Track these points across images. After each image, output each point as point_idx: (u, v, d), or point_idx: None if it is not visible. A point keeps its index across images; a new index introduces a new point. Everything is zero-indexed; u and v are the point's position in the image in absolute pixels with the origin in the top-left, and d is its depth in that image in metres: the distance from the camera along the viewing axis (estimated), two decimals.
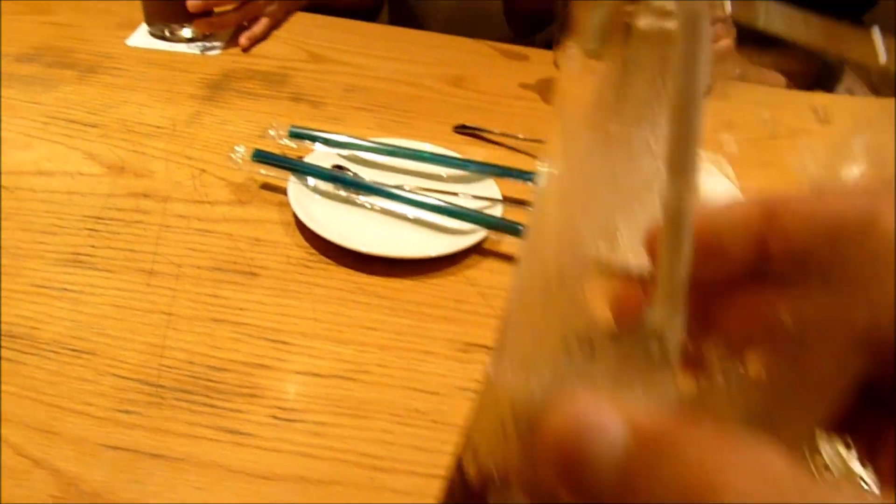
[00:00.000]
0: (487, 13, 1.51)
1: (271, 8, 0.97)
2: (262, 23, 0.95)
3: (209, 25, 0.91)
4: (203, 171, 0.68)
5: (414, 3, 1.62)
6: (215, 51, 0.91)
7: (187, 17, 0.90)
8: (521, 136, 0.79)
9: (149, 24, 0.92)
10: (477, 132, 0.80)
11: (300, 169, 0.65)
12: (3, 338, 0.49)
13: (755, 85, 0.92)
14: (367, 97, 0.86)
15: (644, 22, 0.74)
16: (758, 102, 0.93)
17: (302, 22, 1.02)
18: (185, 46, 0.91)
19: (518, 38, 1.31)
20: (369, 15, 1.29)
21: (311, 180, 0.65)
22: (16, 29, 0.91)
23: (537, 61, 1.01)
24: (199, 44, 0.91)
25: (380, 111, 0.83)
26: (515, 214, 0.65)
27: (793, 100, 0.97)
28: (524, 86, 0.94)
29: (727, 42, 0.77)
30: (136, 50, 0.90)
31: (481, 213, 0.63)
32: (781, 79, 0.95)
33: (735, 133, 0.87)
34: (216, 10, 0.92)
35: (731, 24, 0.77)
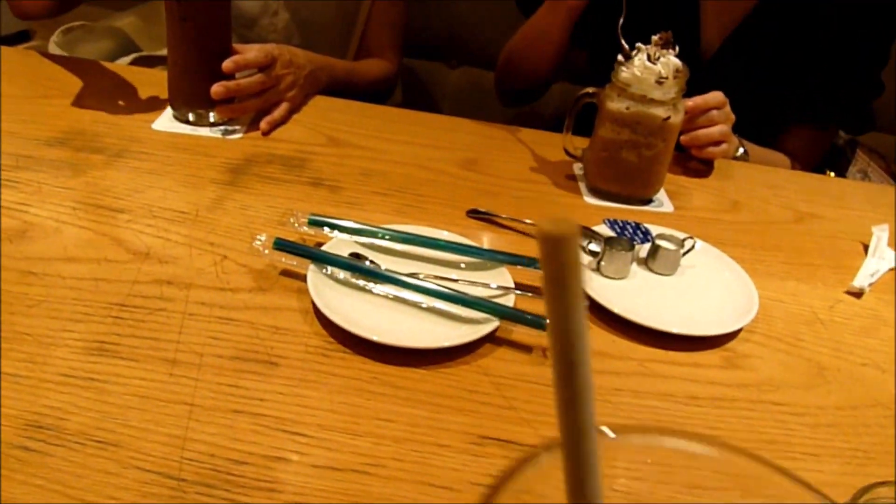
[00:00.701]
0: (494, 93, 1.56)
1: (291, 93, 1.01)
2: (282, 107, 0.99)
3: (231, 111, 0.95)
4: (225, 257, 0.71)
5: (425, 80, 1.67)
6: (237, 135, 0.95)
7: (210, 103, 0.94)
8: (529, 221, 0.82)
9: (173, 108, 0.96)
10: (488, 217, 0.83)
11: (319, 258, 0.68)
12: (31, 429, 0.50)
13: (760, 165, 0.96)
14: (383, 181, 0.89)
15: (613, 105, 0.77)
16: (763, 183, 0.96)
17: (320, 106, 1.07)
18: (207, 130, 0.94)
19: (504, 105, 1.36)
20: (385, 92, 1.34)
21: (330, 268, 0.67)
22: (46, 113, 0.95)
23: (547, 143, 1.04)
24: (221, 128, 0.95)
25: (396, 195, 0.86)
26: (527, 303, 0.67)
27: (800, 181, 1.01)
28: (534, 169, 0.97)
29: (724, 127, 0.81)
30: (161, 134, 0.93)
31: (494, 302, 0.65)
32: (786, 160, 1.00)
33: (739, 214, 0.90)
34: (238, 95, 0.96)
35: (728, 110, 0.81)
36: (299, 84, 1.02)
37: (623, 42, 0.86)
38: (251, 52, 0.95)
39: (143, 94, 1.03)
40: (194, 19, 0.89)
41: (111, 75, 1.08)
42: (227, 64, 0.92)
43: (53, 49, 1.34)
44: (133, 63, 1.39)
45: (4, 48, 1.31)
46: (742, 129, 1.13)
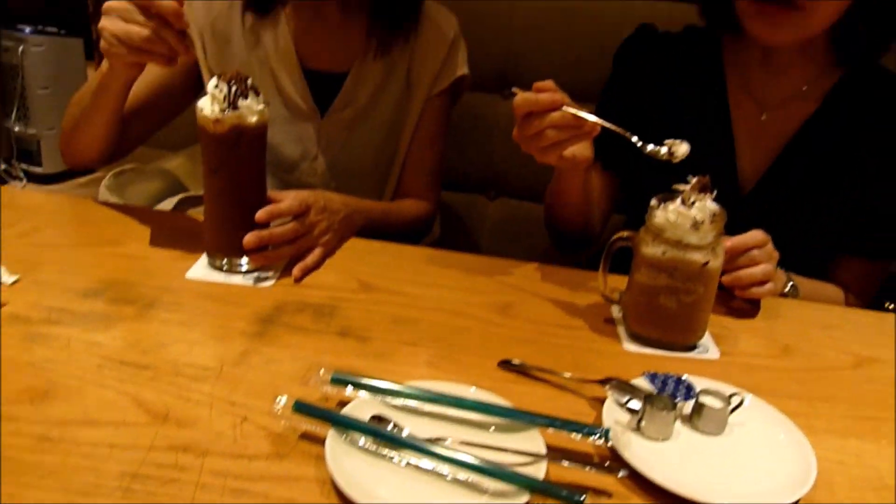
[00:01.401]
0: (532, 222, 1.55)
1: (325, 238, 1.01)
2: (316, 253, 0.99)
3: (264, 259, 0.95)
4: (245, 418, 0.68)
5: (463, 213, 1.68)
6: (269, 282, 0.94)
7: (244, 251, 0.94)
8: (567, 374, 0.78)
9: (208, 255, 0.97)
10: (522, 370, 0.79)
11: (338, 421, 0.65)
12: None
13: (811, 303, 0.90)
14: (414, 330, 0.86)
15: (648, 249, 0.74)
16: (815, 323, 0.90)
17: (355, 248, 1.06)
18: (240, 278, 0.95)
19: (560, 254, 1.33)
20: (423, 231, 1.34)
21: (350, 432, 0.64)
22: (86, 262, 0.97)
23: (584, 284, 1.01)
24: (254, 275, 0.95)
25: (426, 345, 0.83)
26: (560, 472, 0.62)
27: (857, 320, 0.94)
28: (571, 312, 0.94)
29: (767, 266, 0.76)
30: (194, 283, 0.94)
31: (522, 474, 0.60)
32: (839, 293, 0.93)
33: (791, 360, 0.84)
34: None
35: (771, 248, 0.76)
36: (334, 228, 1.03)
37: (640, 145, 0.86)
38: (285, 201, 0.96)
39: (181, 240, 1.04)
40: (227, 171, 0.91)
41: (152, 222, 1.10)
42: (260, 214, 0.93)
43: (104, 192, 1.39)
44: (179, 203, 1.44)
45: (58, 196, 1.37)
46: (790, 263, 1.09)
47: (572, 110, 0.88)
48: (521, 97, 0.89)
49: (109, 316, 0.84)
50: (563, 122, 0.88)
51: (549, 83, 0.88)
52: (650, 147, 0.89)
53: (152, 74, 1.18)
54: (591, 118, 0.88)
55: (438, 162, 1.34)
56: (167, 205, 1.45)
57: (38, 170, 2.42)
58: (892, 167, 1.11)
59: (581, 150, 0.95)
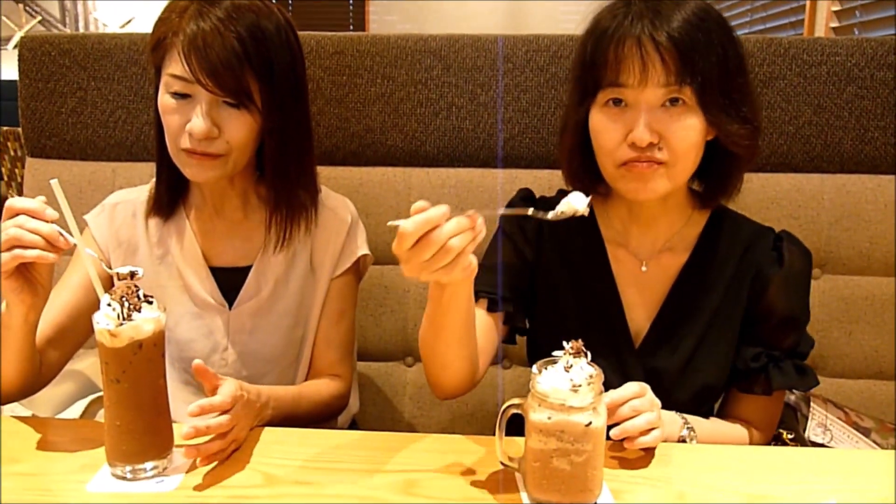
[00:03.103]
0: None
1: (242, 433, 1.02)
2: (228, 446, 1.00)
3: (198, 452, 0.95)
4: None
5: (383, 383, 1.70)
6: (172, 486, 0.94)
7: (149, 455, 0.95)
8: None
9: (110, 464, 0.97)
10: None
11: None
12: None
13: (703, 446, 0.93)
14: None
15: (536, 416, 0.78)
16: (707, 467, 0.93)
17: (262, 440, 1.06)
18: (142, 485, 0.94)
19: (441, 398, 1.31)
20: (339, 408, 1.35)
21: None
22: None
23: (487, 453, 1.03)
24: (157, 480, 0.95)
25: None
26: None
27: (748, 458, 0.97)
28: (475, 483, 0.96)
29: (649, 415, 0.80)
30: (95, 496, 0.92)
31: None
32: (741, 430, 1.01)
33: None
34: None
35: (651, 396, 0.80)
36: (248, 421, 1.05)
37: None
38: (217, 396, 0.98)
39: (84, 450, 1.03)
40: (128, 380, 0.93)
41: (54, 432, 1.09)
42: (193, 409, 0.94)
43: (13, 403, 1.36)
44: (91, 404, 1.42)
45: None
46: (690, 406, 1.14)
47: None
48: (412, 222, 0.84)
49: None
50: (460, 227, 0.86)
51: (424, 202, 0.86)
52: (551, 214, 0.93)
53: (62, 299, 1.20)
54: (477, 215, 0.88)
55: (348, 337, 1.37)
56: (78, 407, 1.43)
57: None
58: (760, 308, 1.19)
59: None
